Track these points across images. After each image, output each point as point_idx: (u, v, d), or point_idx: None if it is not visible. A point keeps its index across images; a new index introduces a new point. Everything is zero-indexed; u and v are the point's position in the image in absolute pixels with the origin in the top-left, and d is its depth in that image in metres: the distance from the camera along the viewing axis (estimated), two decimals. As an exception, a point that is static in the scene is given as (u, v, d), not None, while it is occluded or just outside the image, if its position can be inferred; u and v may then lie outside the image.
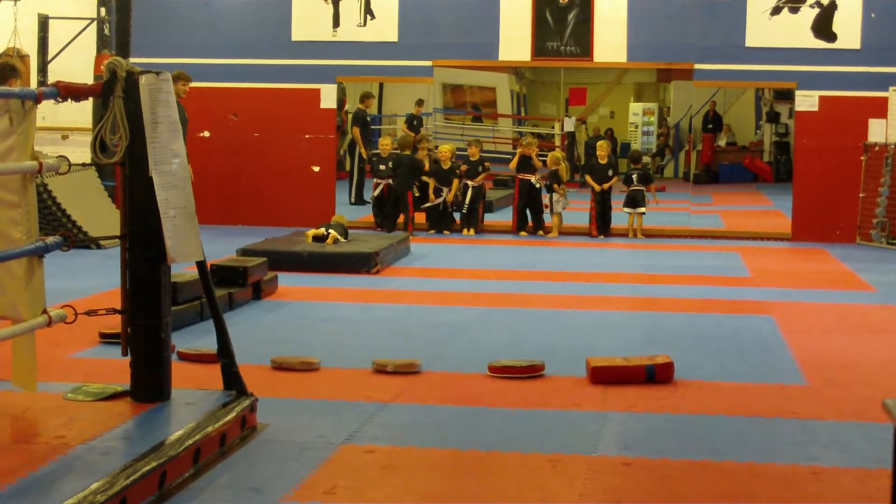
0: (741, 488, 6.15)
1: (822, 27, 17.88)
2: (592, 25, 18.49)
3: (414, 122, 25.96)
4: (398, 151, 19.18)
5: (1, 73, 11.20)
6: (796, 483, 6.24)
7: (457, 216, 19.13)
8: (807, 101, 18.04)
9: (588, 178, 18.98)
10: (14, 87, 10.78)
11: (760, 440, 7.08)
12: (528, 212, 18.86)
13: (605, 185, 18.59)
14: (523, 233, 18.68)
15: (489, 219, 19.99)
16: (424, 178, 18.90)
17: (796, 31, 17.91)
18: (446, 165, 18.96)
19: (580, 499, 5.94)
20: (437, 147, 20.48)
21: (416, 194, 18.79)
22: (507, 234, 18.83)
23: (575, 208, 19.51)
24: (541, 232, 18.72)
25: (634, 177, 18.78)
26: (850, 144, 17.81)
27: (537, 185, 18.73)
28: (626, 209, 18.66)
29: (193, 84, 14.91)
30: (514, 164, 19.02)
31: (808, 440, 7.07)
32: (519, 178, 18.89)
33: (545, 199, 18.80)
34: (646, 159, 35.19)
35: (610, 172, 18.80)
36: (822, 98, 17.91)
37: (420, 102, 26.82)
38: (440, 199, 18.79)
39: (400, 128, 27.55)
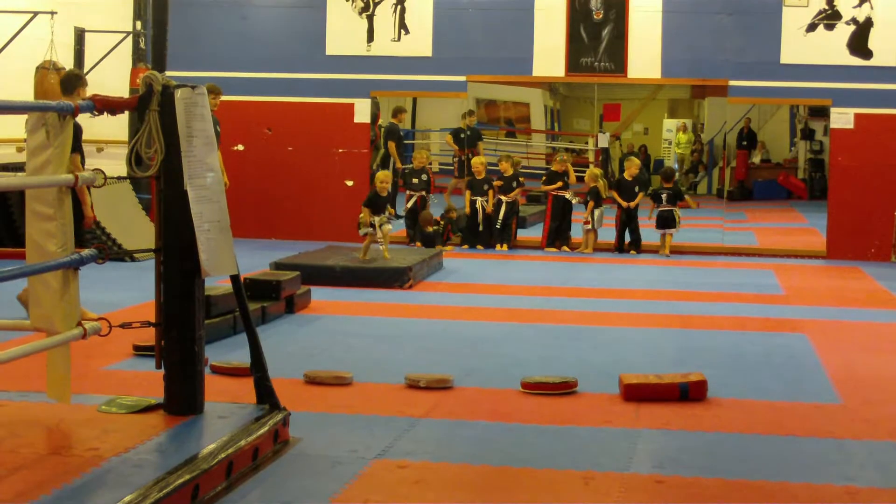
0: (775, 508, 6.12)
1: (858, 44, 17.81)
2: (627, 41, 18.48)
3: (461, 136, 24.55)
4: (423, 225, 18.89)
5: (68, 81, 11.20)
6: (831, 503, 6.20)
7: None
8: (842, 118, 17.96)
9: (614, 195, 18.89)
10: (84, 95, 10.82)
11: (795, 459, 7.03)
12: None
13: (633, 203, 18.51)
14: (560, 248, 18.66)
15: (522, 234, 19.96)
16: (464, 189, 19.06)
17: (832, 48, 17.85)
18: (480, 176, 18.97)
19: (613, 517, 5.92)
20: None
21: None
22: (541, 249, 18.80)
23: (607, 224, 19.47)
24: (566, 248, 18.71)
25: (664, 196, 18.63)
26: (885, 162, 17.72)
27: (574, 202, 18.78)
28: (659, 230, 18.49)
29: (228, 97, 14.97)
30: (573, 178, 19.33)
31: (843, 460, 7.02)
32: (553, 195, 18.88)
33: (585, 215, 18.71)
34: (676, 175, 35.11)
35: (637, 189, 18.71)
36: (857, 115, 17.84)
37: (471, 113, 25.16)
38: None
39: (445, 140, 26.96)
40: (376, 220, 14.75)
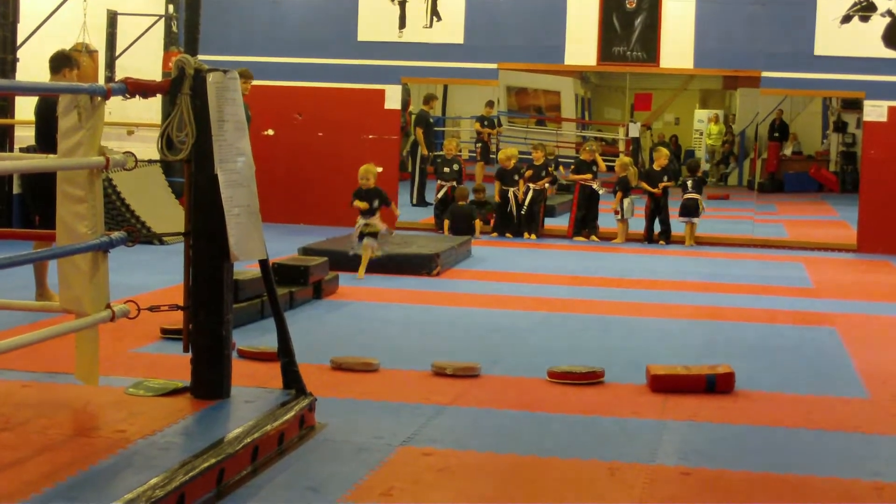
0: (801, 502, 6.09)
1: (893, 36, 17.69)
2: (659, 31, 18.40)
3: (485, 123, 25.96)
4: (456, 200, 18.81)
5: (56, 61, 11.04)
6: (857, 498, 6.16)
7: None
8: (875, 111, 17.85)
9: (643, 184, 18.82)
10: (70, 77, 10.80)
11: (821, 453, 7.00)
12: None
13: (660, 186, 18.42)
14: (589, 237, 18.62)
15: (551, 223, 19.92)
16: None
17: (866, 40, 17.72)
18: (510, 166, 18.93)
19: (638, 508, 5.91)
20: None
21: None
22: (568, 238, 18.76)
23: (637, 215, 19.41)
24: (594, 237, 18.67)
25: (689, 183, 18.54)
26: (918, 156, 17.63)
27: (600, 191, 18.75)
28: (682, 218, 18.42)
29: (259, 82, 14.97)
30: (603, 167, 19.68)
31: (871, 455, 6.99)
32: (580, 185, 18.86)
33: (614, 205, 18.64)
34: (707, 166, 35.03)
35: (665, 178, 18.66)
36: (891, 108, 17.72)
37: (490, 104, 26.69)
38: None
39: (474, 127, 27.48)
40: (360, 221, 13.83)
